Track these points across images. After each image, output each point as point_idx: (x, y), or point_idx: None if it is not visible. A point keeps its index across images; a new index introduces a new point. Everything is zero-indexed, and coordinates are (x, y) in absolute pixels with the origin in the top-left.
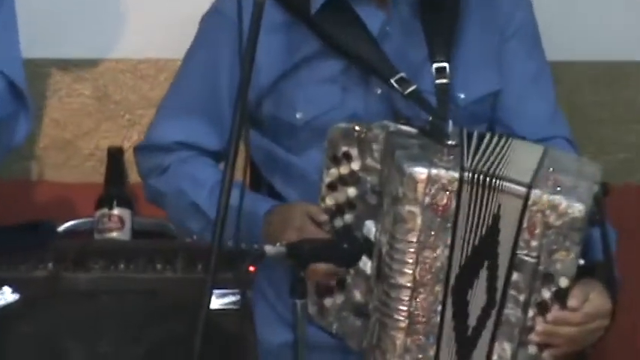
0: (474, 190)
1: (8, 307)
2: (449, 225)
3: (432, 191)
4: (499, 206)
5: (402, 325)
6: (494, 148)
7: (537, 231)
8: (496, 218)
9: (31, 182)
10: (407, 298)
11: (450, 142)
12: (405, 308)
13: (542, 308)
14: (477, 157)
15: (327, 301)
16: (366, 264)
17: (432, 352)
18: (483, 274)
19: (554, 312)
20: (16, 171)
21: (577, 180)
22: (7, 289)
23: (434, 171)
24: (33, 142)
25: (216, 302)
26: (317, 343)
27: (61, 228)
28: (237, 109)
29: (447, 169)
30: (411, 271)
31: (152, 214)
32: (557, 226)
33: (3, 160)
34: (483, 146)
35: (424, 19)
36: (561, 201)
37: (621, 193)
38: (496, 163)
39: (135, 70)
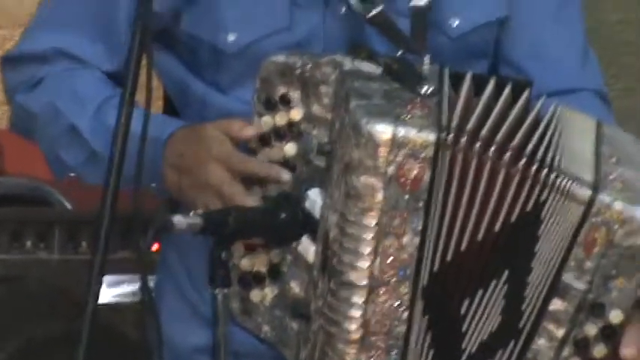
0: (465, 159)
1: None
2: (420, 204)
3: (399, 158)
4: (534, 201)
5: (354, 336)
6: (504, 107)
7: (596, 250)
8: (526, 217)
9: None
10: (361, 301)
11: (426, 89)
12: (358, 314)
13: (583, 348)
14: (471, 114)
15: (255, 294)
16: (308, 249)
17: None
18: (496, 287)
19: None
20: None
21: None
22: None
23: (401, 130)
24: None
25: (108, 293)
26: (243, 350)
27: None
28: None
29: (420, 127)
30: (367, 265)
31: (21, 173)
32: (625, 247)
33: None
34: (485, 99)
35: None
36: (636, 213)
37: None
38: (508, 131)
39: None
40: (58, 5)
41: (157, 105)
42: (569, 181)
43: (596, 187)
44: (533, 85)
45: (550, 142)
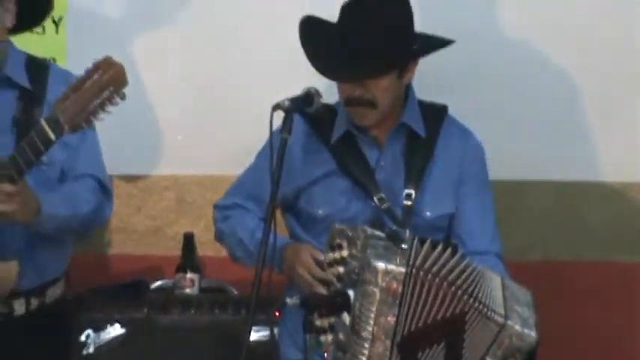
0: (422, 282)
1: (117, 337)
2: (397, 302)
3: (387, 279)
4: (461, 310)
5: None
6: (447, 257)
7: (504, 346)
8: (458, 317)
9: (133, 255)
10: (367, 346)
11: (403, 246)
12: (365, 352)
13: None
14: (427, 259)
15: (323, 338)
16: (346, 318)
17: None
18: (438, 347)
19: None
20: (123, 247)
21: (528, 311)
22: (117, 325)
23: (390, 266)
24: (135, 229)
25: (254, 335)
26: None
27: (153, 285)
28: (273, 196)
29: (398, 265)
30: (370, 329)
31: (213, 277)
32: (518, 346)
33: (95, 234)
34: (436, 253)
35: (407, 157)
36: (524, 331)
37: None
38: (449, 270)
39: (203, 183)
40: (241, 183)
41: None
42: (490, 311)
43: (506, 317)
44: (465, 247)
45: (477, 283)
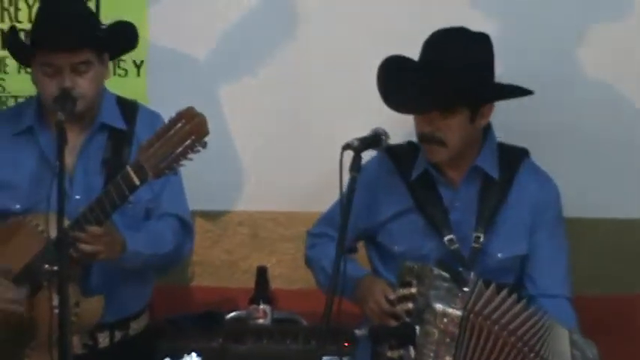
0: (477, 326)
1: None
2: (453, 343)
3: (445, 321)
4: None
5: None
6: (511, 304)
7: None
8: None
9: (210, 287)
10: None
11: (465, 289)
12: None
13: None
14: (488, 304)
15: None
16: (412, 351)
17: None
18: None
19: None
20: (200, 279)
21: None
22: (193, 354)
23: (448, 309)
24: (211, 262)
25: None
26: None
27: (228, 316)
28: (343, 226)
29: (456, 308)
30: None
31: (285, 308)
32: None
33: (176, 269)
34: (499, 298)
35: (480, 199)
36: None
37: None
38: (511, 318)
39: (276, 219)
40: (330, 212)
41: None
42: None
43: None
44: (536, 288)
45: (541, 337)
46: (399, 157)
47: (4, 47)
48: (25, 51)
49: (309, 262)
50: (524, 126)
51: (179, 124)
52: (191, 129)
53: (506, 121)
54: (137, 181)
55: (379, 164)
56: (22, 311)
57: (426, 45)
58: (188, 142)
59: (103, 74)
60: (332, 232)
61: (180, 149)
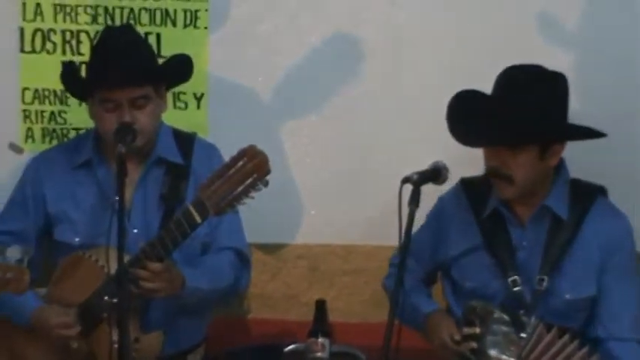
0: None
1: None
2: None
3: None
4: None
5: None
6: (572, 351)
7: None
8: None
9: (269, 320)
10: None
11: (522, 335)
12: None
13: None
14: (546, 351)
15: None
16: None
17: None
18: None
19: None
20: (259, 311)
21: None
22: None
23: (502, 357)
24: (270, 295)
25: None
26: None
27: (286, 349)
28: (402, 262)
29: (510, 357)
30: None
31: (343, 342)
32: None
33: (234, 302)
34: (559, 344)
35: (547, 241)
36: None
37: None
38: None
39: (334, 252)
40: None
41: None
42: None
43: None
44: (606, 331)
45: None
46: (474, 192)
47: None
48: (82, 88)
49: (386, 291)
50: (598, 163)
51: (241, 162)
52: (253, 167)
53: (579, 157)
54: (198, 219)
55: (455, 197)
56: (74, 334)
57: (498, 80)
58: (250, 180)
59: (161, 107)
60: (412, 264)
61: (241, 188)
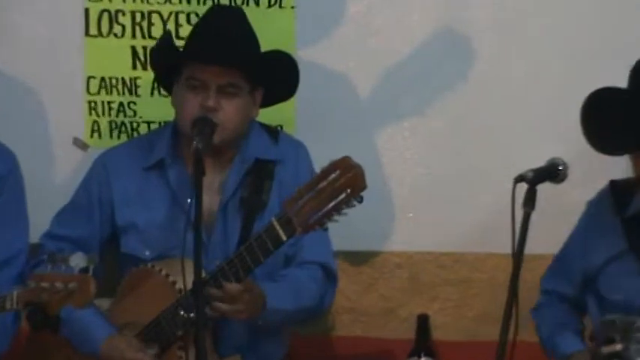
0: None
1: None
2: None
3: None
4: None
5: None
6: None
7: None
8: None
9: (361, 337)
10: None
11: None
12: None
13: None
14: None
15: None
16: None
17: None
18: None
19: None
20: (350, 328)
21: None
22: None
23: None
24: (364, 309)
25: None
26: None
27: None
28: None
29: None
30: None
31: None
32: None
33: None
34: None
35: None
36: None
37: None
38: None
39: (438, 261)
40: (556, 262)
41: None
42: None
43: None
44: None
45: None
46: (619, 192)
47: (134, 66)
48: (174, 60)
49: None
50: None
51: (333, 175)
52: (347, 182)
53: None
54: (284, 237)
55: (599, 200)
56: None
57: (633, 74)
58: (342, 196)
59: (251, 110)
60: (562, 286)
61: (333, 203)
